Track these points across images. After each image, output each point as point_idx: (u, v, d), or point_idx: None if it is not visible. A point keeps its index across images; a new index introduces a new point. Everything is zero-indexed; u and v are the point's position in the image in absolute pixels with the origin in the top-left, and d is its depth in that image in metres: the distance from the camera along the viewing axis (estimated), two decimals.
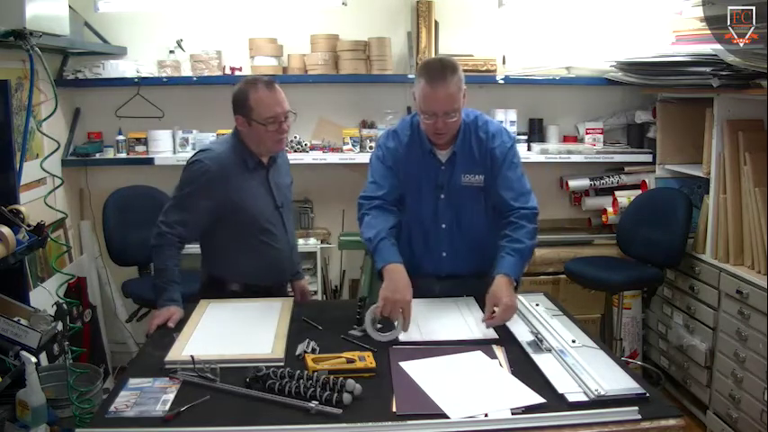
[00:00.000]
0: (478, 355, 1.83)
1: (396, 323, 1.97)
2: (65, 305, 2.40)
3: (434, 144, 2.25)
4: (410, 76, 3.60)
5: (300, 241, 2.63)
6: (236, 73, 3.62)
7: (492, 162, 2.25)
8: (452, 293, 2.30)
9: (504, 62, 3.77)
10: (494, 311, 2.01)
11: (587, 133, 3.80)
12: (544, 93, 3.92)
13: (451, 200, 2.29)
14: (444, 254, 2.33)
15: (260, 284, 2.37)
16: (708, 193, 3.17)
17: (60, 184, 2.98)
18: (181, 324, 2.06)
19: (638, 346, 3.72)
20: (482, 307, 2.10)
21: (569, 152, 3.72)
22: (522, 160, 2.33)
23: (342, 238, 3.75)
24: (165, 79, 3.61)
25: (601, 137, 3.79)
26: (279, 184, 2.41)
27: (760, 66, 2.59)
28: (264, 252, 2.36)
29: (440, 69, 2.11)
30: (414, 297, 2.03)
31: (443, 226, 2.31)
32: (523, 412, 1.53)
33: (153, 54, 3.68)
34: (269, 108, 2.23)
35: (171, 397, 1.60)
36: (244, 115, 2.25)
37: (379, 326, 2.00)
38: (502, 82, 3.68)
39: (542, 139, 3.90)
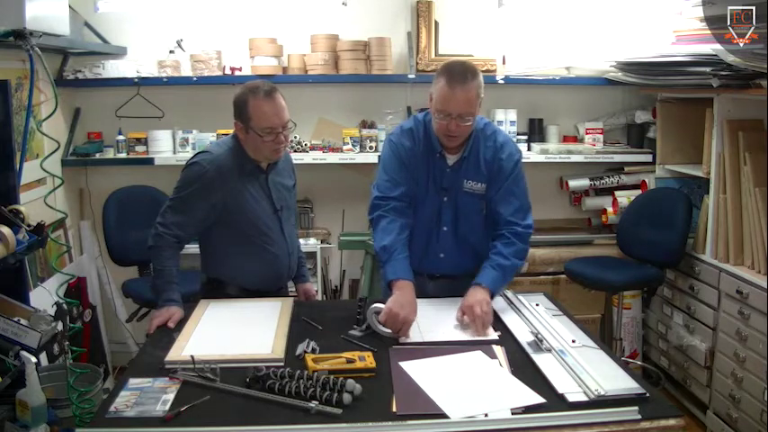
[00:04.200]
0: (478, 355, 1.84)
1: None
2: (65, 305, 2.39)
3: (444, 146, 2.25)
4: (410, 77, 3.61)
5: (300, 241, 2.60)
6: (236, 73, 3.62)
7: (498, 173, 2.25)
8: (445, 292, 2.31)
9: (504, 62, 3.77)
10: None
11: (587, 133, 3.81)
12: (544, 93, 3.92)
13: (452, 203, 2.30)
14: (442, 255, 2.35)
15: (256, 289, 2.36)
16: (708, 193, 3.17)
17: (60, 184, 2.98)
18: (181, 324, 2.06)
19: (638, 346, 3.72)
20: None
21: (569, 152, 3.72)
22: (523, 160, 2.33)
23: (342, 238, 3.75)
24: (165, 79, 3.61)
25: (601, 137, 3.79)
26: (279, 186, 2.38)
27: (760, 66, 2.59)
28: (261, 256, 2.34)
29: (461, 72, 2.12)
30: None
31: (444, 228, 2.32)
32: (523, 412, 1.53)
33: (153, 54, 3.68)
34: (266, 119, 2.18)
35: (171, 397, 1.60)
36: (242, 122, 2.23)
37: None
38: (502, 82, 3.68)
39: (542, 139, 3.90)
